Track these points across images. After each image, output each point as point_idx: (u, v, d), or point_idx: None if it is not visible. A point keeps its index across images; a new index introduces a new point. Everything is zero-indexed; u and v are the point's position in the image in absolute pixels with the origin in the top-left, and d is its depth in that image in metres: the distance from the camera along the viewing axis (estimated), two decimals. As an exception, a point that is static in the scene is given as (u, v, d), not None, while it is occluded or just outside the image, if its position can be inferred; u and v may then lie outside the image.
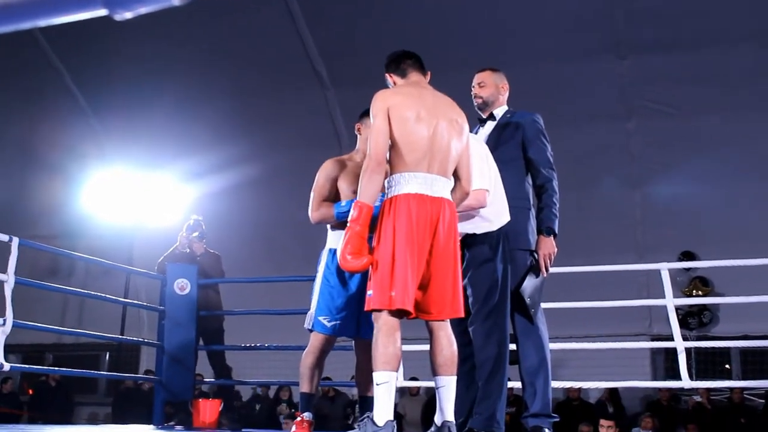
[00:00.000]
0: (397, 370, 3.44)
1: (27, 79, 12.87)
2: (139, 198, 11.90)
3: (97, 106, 13.13)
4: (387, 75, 3.88)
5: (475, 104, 4.50)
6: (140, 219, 12.11)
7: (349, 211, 3.91)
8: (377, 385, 3.40)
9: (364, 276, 4.05)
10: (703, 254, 10.20)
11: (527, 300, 4.17)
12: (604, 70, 10.83)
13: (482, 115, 4.51)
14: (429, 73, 3.84)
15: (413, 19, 10.64)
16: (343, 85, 11.79)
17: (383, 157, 3.48)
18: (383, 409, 3.37)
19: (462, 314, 3.60)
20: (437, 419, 3.53)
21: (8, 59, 12.67)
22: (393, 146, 3.51)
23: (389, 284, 3.40)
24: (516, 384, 4.70)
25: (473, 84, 4.52)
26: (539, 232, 4.26)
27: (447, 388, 3.53)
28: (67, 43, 12.39)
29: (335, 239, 4.33)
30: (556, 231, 4.25)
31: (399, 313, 3.43)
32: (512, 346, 4.28)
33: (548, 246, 4.23)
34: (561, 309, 6.02)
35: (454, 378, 3.55)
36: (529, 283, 4.19)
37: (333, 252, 4.34)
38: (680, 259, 10.48)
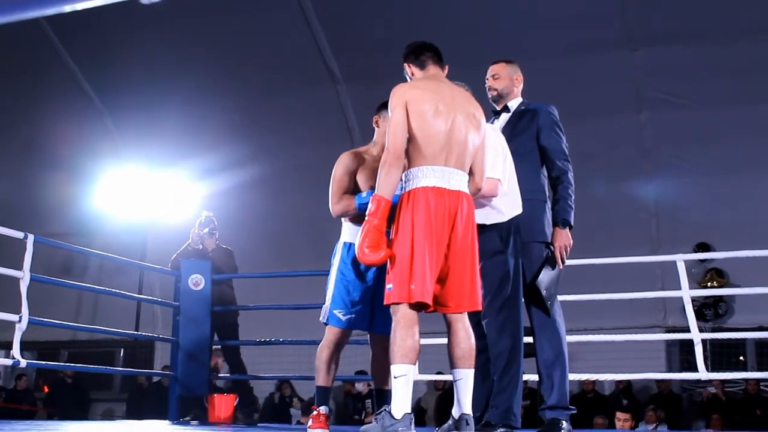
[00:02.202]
0: (415, 363, 3.43)
1: (41, 79, 12.91)
2: (153, 195, 11.92)
3: (111, 105, 13.16)
4: (405, 64, 3.87)
5: (490, 96, 4.48)
6: (153, 216, 12.13)
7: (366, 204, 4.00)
8: (395, 378, 3.39)
9: (380, 270, 4.10)
10: (718, 245, 10.15)
11: (543, 292, 4.16)
12: (616, 62, 10.78)
13: (497, 107, 4.49)
14: (447, 66, 3.83)
15: (425, 14, 10.61)
16: (354, 81, 11.77)
17: (401, 150, 3.47)
18: (401, 402, 3.36)
19: (480, 307, 3.61)
20: (455, 412, 3.52)
21: (22, 59, 12.72)
22: (411, 140, 3.51)
23: (408, 278, 3.39)
24: (531, 377, 4.69)
25: (487, 76, 4.51)
26: (555, 224, 4.24)
27: (465, 381, 3.53)
28: (80, 43, 12.42)
29: (350, 233, 4.35)
30: (572, 223, 4.22)
31: (418, 306, 3.42)
32: (528, 339, 4.27)
33: (564, 238, 4.21)
34: (576, 301, 6.00)
35: (472, 371, 3.54)
36: (545, 276, 4.18)
37: (348, 245, 4.34)
38: (695, 251, 10.44)
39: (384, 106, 4.21)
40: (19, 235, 5.47)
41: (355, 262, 4.27)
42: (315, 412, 4.41)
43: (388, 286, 3.48)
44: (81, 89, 13.05)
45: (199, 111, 12.31)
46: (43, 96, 13.00)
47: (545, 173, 4.35)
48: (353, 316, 4.33)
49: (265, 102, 12.16)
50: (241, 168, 11.75)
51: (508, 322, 4.03)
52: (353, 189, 4.35)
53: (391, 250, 3.47)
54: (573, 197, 4.26)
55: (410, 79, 3.83)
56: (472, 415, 3.51)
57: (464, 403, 3.50)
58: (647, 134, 11.10)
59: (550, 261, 4.21)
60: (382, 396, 4.49)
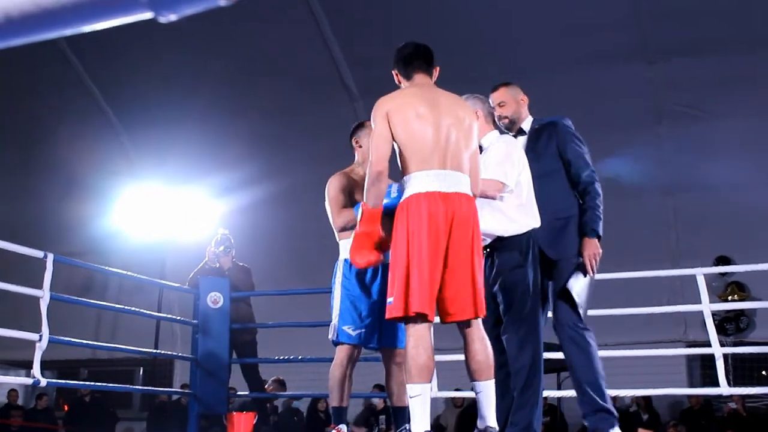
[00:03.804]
0: (430, 381, 3.40)
1: (58, 98, 13.01)
2: (171, 213, 11.97)
3: (128, 123, 13.23)
4: (393, 72, 3.87)
5: (502, 125, 4.42)
6: (172, 234, 12.17)
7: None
8: (411, 397, 3.36)
9: (384, 283, 4.15)
10: (739, 259, 10.08)
11: (575, 298, 4.10)
12: (633, 74, 10.76)
13: (511, 132, 4.45)
14: (437, 69, 3.80)
15: (442, 28, 10.63)
16: (371, 97, 11.71)
17: (384, 160, 3.46)
18: (419, 421, 3.33)
19: (484, 313, 3.50)
20: (480, 424, 3.48)
21: (38, 78, 12.82)
22: (401, 148, 3.49)
23: (406, 289, 3.35)
24: (551, 393, 4.66)
25: (493, 105, 4.42)
26: (583, 234, 4.19)
27: (485, 393, 3.48)
28: (97, 60, 12.51)
29: (346, 248, 4.37)
30: (600, 233, 4.19)
31: (424, 319, 3.37)
32: (551, 355, 4.25)
33: (593, 247, 4.17)
34: (595, 316, 5.97)
35: (492, 382, 3.49)
36: (575, 281, 4.14)
37: (348, 261, 4.34)
38: (715, 264, 10.37)
39: (359, 126, 4.67)
40: (39, 254, 5.50)
41: (358, 277, 4.37)
42: (334, 431, 4.41)
43: (389, 299, 3.44)
44: (98, 107, 13.13)
45: (216, 128, 12.37)
46: (59, 114, 13.10)
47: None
48: (363, 330, 4.39)
49: (281, 119, 12.20)
50: (259, 185, 11.78)
51: (529, 337, 4.01)
52: (351, 206, 4.45)
53: (379, 254, 3.51)
54: (601, 207, 4.23)
55: (398, 83, 3.83)
56: (497, 428, 3.47)
57: (488, 415, 3.45)
58: (666, 147, 11.06)
59: (581, 268, 4.17)
60: (399, 413, 4.47)
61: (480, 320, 3.52)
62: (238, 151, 12.24)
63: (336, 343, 4.44)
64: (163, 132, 12.70)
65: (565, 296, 4.13)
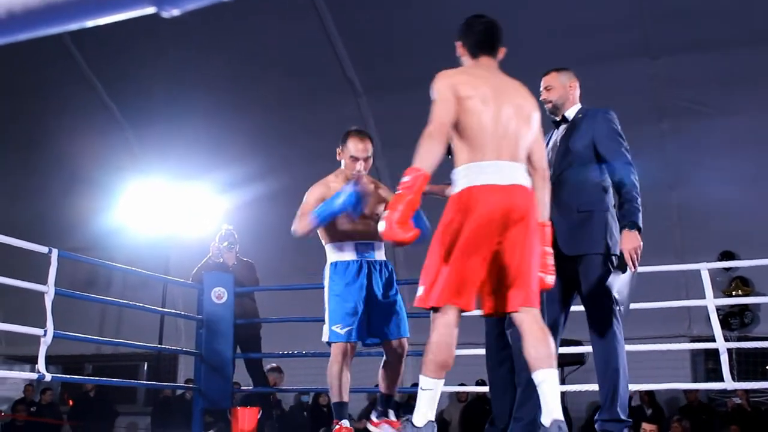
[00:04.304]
0: (442, 378, 3.28)
1: (63, 94, 13.01)
2: (175, 209, 11.99)
3: (132, 118, 13.24)
4: (457, 43, 3.61)
5: (546, 109, 4.34)
6: (176, 230, 12.18)
7: (325, 210, 4.37)
8: (421, 389, 3.25)
9: (369, 278, 4.57)
10: (743, 254, 10.07)
11: (615, 295, 4.01)
12: (636, 72, 10.75)
13: (556, 118, 4.39)
14: (502, 50, 3.56)
15: (446, 24, 10.61)
16: (375, 93, 11.79)
17: (445, 124, 3.18)
18: (423, 414, 3.24)
19: (538, 305, 3.30)
20: (545, 419, 3.19)
21: (43, 74, 12.83)
22: (457, 132, 3.26)
23: (432, 280, 3.20)
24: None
25: (541, 89, 4.38)
26: (623, 227, 4.07)
27: (548, 383, 3.22)
28: (100, 56, 12.52)
29: (334, 253, 4.69)
30: (641, 225, 4.07)
31: (451, 313, 3.20)
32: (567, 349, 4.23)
33: (633, 240, 4.03)
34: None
35: (554, 371, 3.26)
36: (615, 279, 4.04)
37: (335, 264, 4.66)
38: (720, 259, 10.36)
39: (345, 137, 4.81)
40: (44, 249, 5.51)
41: (343, 278, 4.58)
42: (337, 427, 4.52)
43: (419, 288, 3.28)
44: (102, 103, 13.14)
45: (220, 124, 12.37)
46: (64, 110, 13.10)
47: (608, 182, 4.18)
48: (351, 327, 4.52)
49: (285, 114, 12.20)
50: (263, 181, 11.78)
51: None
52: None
53: (419, 231, 3.18)
54: (639, 198, 4.12)
55: (460, 57, 3.60)
56: (563, 419, 3.20)
57: (553, 407, 3.17)
58: (669, 143, 11.04)
59: (621, 265, 4.06)
60: (388, 401, 4.69)
61: (537, 310, 3.30)
62: (241, 146, 12.25)
63: (328, 343, 4.58)
64: (167, 127, 12.71)
65: (601, 294, 4.01)
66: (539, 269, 3.32)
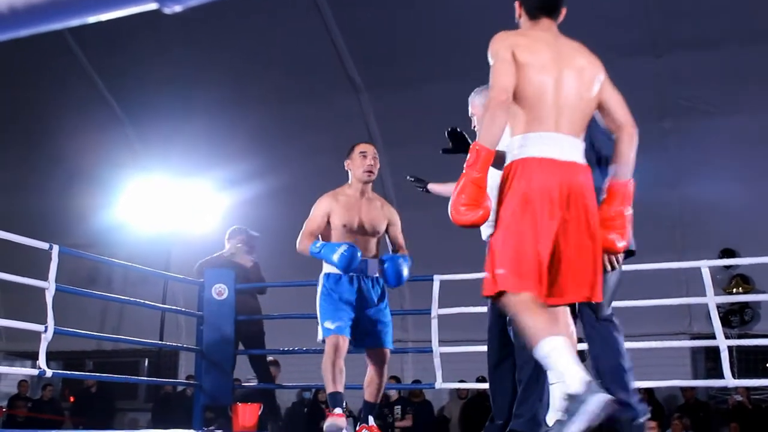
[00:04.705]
0: (560, 333, 2.79)
1: (63, 90, 13.01)
2: (176, 206, 11.99)
3: (133, 115, 13.24)
4: (516, 3, 3.35)
5: None
6: (177, 226, 12.19)
7: (321, 256, 4.76)
8: (546, 356, 2.72)
9: (359, 293, 4.87)
10: (744, 251, 10.07)
11: None
12: (639, 68, 10.73)
13: None
14: (564, 10, 3.31)
15: (448, 20, 10.62)
16: (376, 89, 11.79)
17: (508, 91, 2.90)
18: (571, 372, 2.65)
19: (601, 298, 3.06)
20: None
21: (43, 70, 12.83)
22: (514, 99, 2.95)
23: (499, 263, 2.90)
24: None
25: None
26: None
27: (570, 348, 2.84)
28: (102, 52, 12.52)
29: (327, 265, 4.91)
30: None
31: (529, 295, 2.85)
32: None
33: None
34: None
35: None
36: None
37: (327, 275, 4.94)
38: (720, 257, 10.35)
39: (351, 150, 5.05)
40: (44, 246, 5.52)
41: (335, 286, 4.90)
42: (332, 412, 4.75)
43: (486, 275, 2.99)
44: (103, 100, 13.15)
45: (221, 121, 12.37)
46: (65, 107, 13.10)
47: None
48: (341, 322, 4.78)
49: (287, 111, 12.19)
50: (264, 177, 11.78)
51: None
52: (325, 228, 5.00)
53: (489, 208, 2.90)
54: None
55: (517, 18, 3.32)
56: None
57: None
58: (671, 141, 11.03)
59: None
60: (368, 408, 5.01)
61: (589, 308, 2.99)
62: (243, 143, 12.25)
63: (323, 341, 4.84)
64: (169, 124, 12.71)
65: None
66: (611, 233, 3.07)
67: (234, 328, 7.00)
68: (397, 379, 11.01)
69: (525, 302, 2.83)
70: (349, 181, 5.06)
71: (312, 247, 4.82)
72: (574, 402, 2.58)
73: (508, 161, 2.99)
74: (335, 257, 4.70)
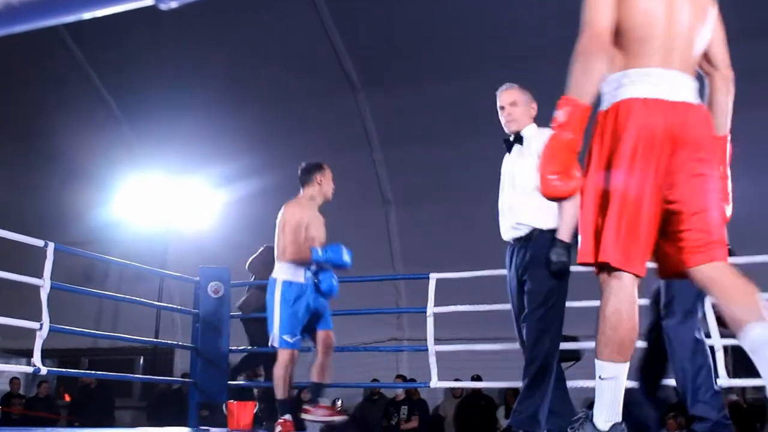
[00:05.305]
0: (628, 359, 2.51)
1: (60, 87, 12.99)
2: (172, 203, 11.98)
3: (129, 113, 13.22)
4: None
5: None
6: (173, 224, 12.18)
7: (325, 260, 5.19)
8: (600, 379, 2.50)
9: (311, 297, 5.32)
10: (739, 251, 10.06)
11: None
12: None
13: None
14: None
15: (444, 19, 10.61)
16: (373, 87, 11.78)
17: (605, 27, 2.48)
18: (607, 410, 2.48)
19: (725, 258, 2.60)
20: None
21: (40, 67, 12.81)
22: (616, 31, 2.53)
23: (593, 229, 2.49)
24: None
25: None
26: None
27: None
28: (99, 51, 12.49)
29: (287, 271, 5.32)
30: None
31: (626, 272, 2.48)
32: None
33: None
34: (595, 308, 5.97)
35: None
36: None
37: (288, 283, 5.30)
38: (715, 256, 10.35)
39: (319, 168, 5.53)
40: (40, 243, 5.51)
41: (294, 295, 5.29)
42: (281, 420, 5.30)
43: (580, 241, 2.58)
44: (99, 97, 13.13)
45: (218, 119, 12.35)
46: (61, 104, 13.08)
47: None
48: (297, 336, 5.30)
49: (283, 110, 12.17)
50: (260, 175, 11.77)
51: (550, 329, 4.03)
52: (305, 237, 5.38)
53: (584, 180, 2.47)
54: None
55: None
56: None
57: None
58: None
59: None
60: (318, 388, 5.46)
61: (723, 263, 2.54)
62: (239, 141, 12.23)
63: (276, 347, 5.30)
64: (165, 122, 12.69)
65: None
66: (720, 202, 2.62)
67: (229, 325, 7.01)
68: (404, 378, 10.91)
69: (619, 294, 2.48)
70: (312, 195, 5.51)
71: (315, 255, 5.25)
72: None
73: (603, 105, 2.56)
74: (345, 257, 5.27)
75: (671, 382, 4.19)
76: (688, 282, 2.59)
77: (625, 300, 2.48)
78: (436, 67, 10.91)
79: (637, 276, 2.49)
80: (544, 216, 4.03)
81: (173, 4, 0.70)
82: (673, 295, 4.04)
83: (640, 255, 2.47)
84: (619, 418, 2.49)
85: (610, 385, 2.47)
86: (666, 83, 2.48)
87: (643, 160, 2.42)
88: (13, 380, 12.35)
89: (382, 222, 12.09)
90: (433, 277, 6.49)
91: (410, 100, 11.21)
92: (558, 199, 2.53)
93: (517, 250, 4.19)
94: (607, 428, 2.45)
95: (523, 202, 4.11)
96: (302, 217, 5.39)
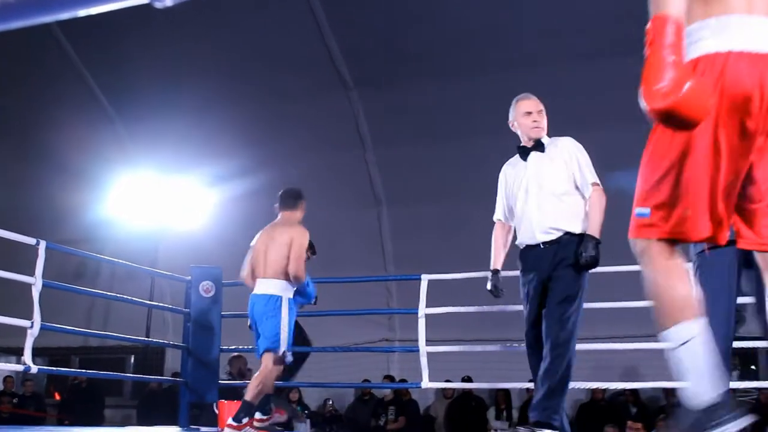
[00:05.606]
0: (697, 317, 2.16)
1: (52, 85, 12.96)
2: (164, 202, 11.97)
3: (123, 111, 13.19)
4: None
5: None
6: (165, 222, 12.16)
7: (308, 286, 5.60)
8: (674, 348, 2.18)
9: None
10: None
11: None
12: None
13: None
14: None
15: (437, 19, 10.61)
16: (366, 87, 11.77)
17: None
18: (701, 382, 2.13)
19: None
20: None
21: (34, 65, 12.77)
22: None
23: (647, 197, 2.23)
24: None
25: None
26: None
27: None
28: (92, 49, 12.46)
29: (290, 290, 5.51)
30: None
31: (673, 245, 2.20)
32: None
33: None
34: (588, 309, 5.97)
35: None
36: None
37: (294, 300, 5.53)
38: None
39: (302, 196, 5.93)
40: (31, 241, 5.50)
41: (294, 313, 5.55)
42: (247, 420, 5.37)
43: (637, 211, 2.31)
44: (92, 95, 13.09)
45: (211, 117, 12.33)
46: (54, 102, 13.04)
47: None
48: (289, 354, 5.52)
49: (276, 109, 12.16)
50: (253, 174, 11.76)
51: (575, 329, 4.21)
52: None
53: (684, 97, 1.92)
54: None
55: None
56: None
57: None
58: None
59: None
60: (244, 405, 5.41)
61: None
62: (232, 140, 12.21)
63: (280, 356, 5.40)
64: (158, 120, 12.66)
65: None
66: None
67: (221, 325, 7.01)
68: (392, 379, 10.95)
69: (666, 263, 2.20)
70: (300, 220, 5.91)
71: (306, 281, 5.59)
72: (701, 421, 2.09)
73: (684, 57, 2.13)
74: (313, 292, 5.82)
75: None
76: None
77: (671, 266, 2.20)
78: (429, 67, 10.90)
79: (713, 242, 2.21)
80: (574, 221, 4.26)
81: (168, 3, 0.70)
82: None
83: (696, 226, 2.15)
84: (719, 391, 2.10)
85: (688, 351, 2.15)
86: (752, 31, 2.09)
87: (729, 118, 2.07)
88: (7, 378, 12.30)
89: (374, 222, 12.07)
90: (425, 278, 6.49)
91: (403, 100, 11.21)
92: (671, 113, 1.96)
93: (542, 253, 4.32)
94: (706, 400, 2.08)
95: (554, 207, 4.30)
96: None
